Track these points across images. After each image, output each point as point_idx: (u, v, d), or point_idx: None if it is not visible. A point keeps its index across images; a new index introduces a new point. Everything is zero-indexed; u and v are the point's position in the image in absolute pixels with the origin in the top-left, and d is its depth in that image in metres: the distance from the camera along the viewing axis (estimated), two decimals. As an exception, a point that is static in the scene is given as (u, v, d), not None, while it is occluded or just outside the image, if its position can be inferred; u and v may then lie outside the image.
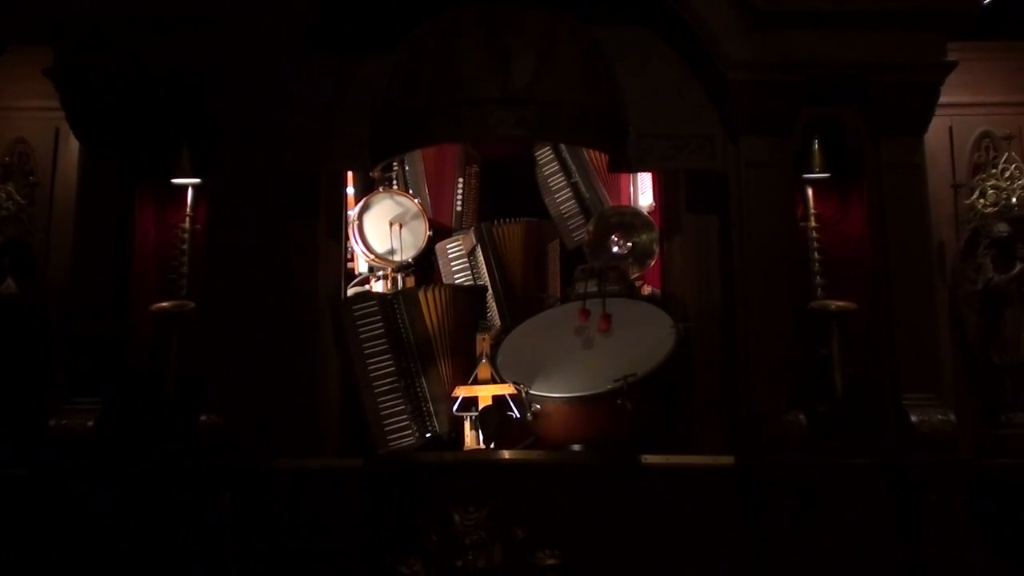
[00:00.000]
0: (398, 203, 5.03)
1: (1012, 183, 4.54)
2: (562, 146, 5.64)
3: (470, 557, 3.87)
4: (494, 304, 5.28)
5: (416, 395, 4.49)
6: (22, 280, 4.47)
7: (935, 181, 4.55)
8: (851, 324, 4.36)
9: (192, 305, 4.32)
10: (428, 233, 5.06)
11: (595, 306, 4.42)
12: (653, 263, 5.08)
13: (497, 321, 5.15)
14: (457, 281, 5.40)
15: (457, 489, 3.98)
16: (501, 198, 5.82)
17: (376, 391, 4.46)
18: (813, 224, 4.44)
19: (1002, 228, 4.48)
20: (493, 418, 4.27)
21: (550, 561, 3.91)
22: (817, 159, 4.40)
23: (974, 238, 4.55)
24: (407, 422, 4.46)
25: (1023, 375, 4.47)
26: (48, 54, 4.34)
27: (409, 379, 4.49)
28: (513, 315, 5.10)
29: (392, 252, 4.94)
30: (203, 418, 4.07)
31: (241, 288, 4.21)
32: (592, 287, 4.54)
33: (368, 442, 4.42)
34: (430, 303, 4.58)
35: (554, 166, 5.72)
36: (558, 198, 5.70)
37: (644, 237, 5.03)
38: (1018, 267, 4.48)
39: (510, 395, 4.25)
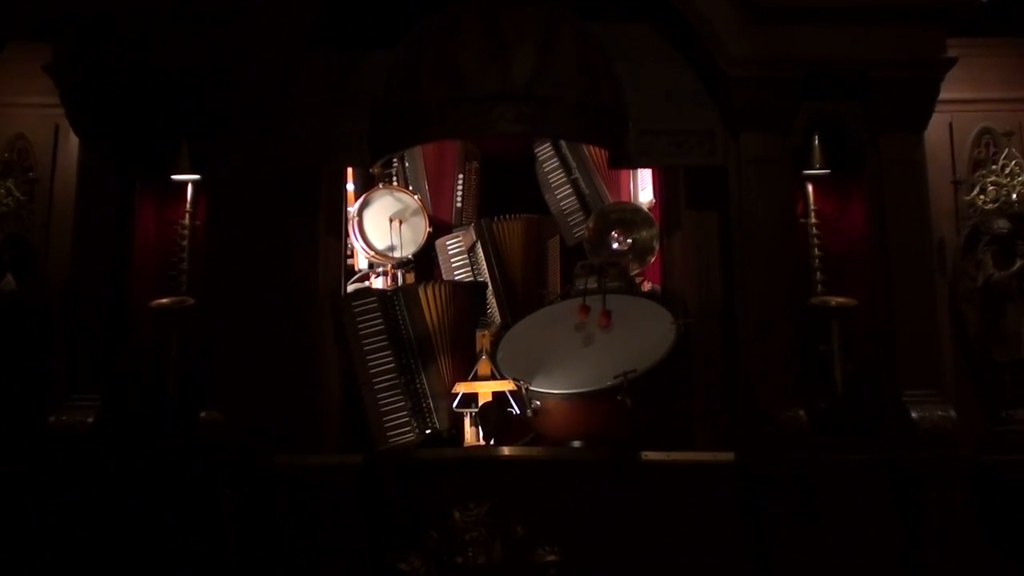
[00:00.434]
0: (398, 199, 5.05)
1: (1012, 179, 4.54)
2: (562, 142, 5.63)
3: (470, 554, 3.87)
4: (494, 300, 5.29)
5: (416, 391, 4.48)
6: (22, 276, 4.46)
7: (935, 177, 4.55)
8: (851, 320, 4.36)
9: (192, 301, 4.33)
10: (428, 229, 5.07)
11: (595, 302, 4.42)
12: (653, 259, 5.07)
13: (497, 317, 5.16)
14: (457, 277, 5.40)
15: (457, 486, 3.97)
16: (501, 194, 5.82)
17: (376, 387, 4.46)
18: (813, 220, 4.45)
19: (1002, 224, 4.48)
20: (493, 415, 4.28)
21: (550, 557, 3.90)
22: (817, 155, 4.40)
23: (974, 234, 4.55)
24: (407, 418, 4.45)
25: (1023, 371, 4.46)
26: (48, 51, 4.34)
27: (409, 375, 4.48)
28: (513, 311, 5.11)
29: (392, 248, 4.96)
30: (203, 414, 4.07)
31: (241, 284, 4.21)
32: (592, 283, 4.54)
33: (368, 439, 4.41)
34: (430, 299, 4.57)
35: (554, 162, 5.71)
36: (558, 194, 5.69)
37: (644, 233, 5.02)
38: (1018, 263, 4.47)
39: (510, 391, 4.25)
